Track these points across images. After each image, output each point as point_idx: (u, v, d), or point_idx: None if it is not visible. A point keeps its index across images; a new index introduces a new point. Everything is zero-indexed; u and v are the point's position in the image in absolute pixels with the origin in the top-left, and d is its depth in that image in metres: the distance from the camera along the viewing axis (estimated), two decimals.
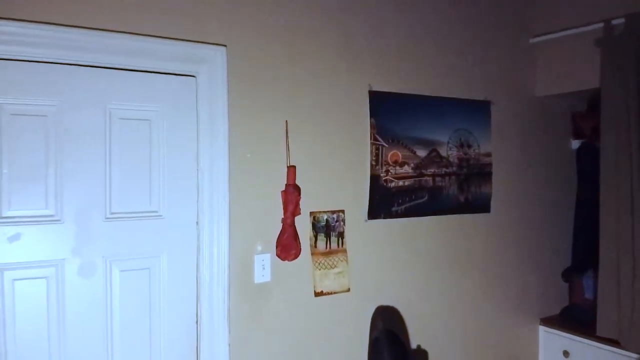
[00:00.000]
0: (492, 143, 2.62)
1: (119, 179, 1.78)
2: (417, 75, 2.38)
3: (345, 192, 2.19)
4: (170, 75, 1.86)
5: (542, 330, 2.83)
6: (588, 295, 2.78)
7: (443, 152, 2.45)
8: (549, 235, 2.88)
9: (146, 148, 1.83)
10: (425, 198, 2.40)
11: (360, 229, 2.23)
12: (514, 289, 2.75)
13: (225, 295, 1.91)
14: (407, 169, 2.34)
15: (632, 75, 2.31)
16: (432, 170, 2.42)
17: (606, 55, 2.41)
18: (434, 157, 2.43)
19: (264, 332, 2.01)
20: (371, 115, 2.23)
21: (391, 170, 2.29)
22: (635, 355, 2.35)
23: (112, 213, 1.78)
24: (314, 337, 2.13)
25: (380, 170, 2.26)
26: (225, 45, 1.90)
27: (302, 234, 2.07)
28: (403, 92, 2.33)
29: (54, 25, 1.62)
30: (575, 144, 2.96)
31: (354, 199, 2.21)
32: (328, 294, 2.14)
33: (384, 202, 2.27)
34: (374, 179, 2.24)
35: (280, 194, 2.01)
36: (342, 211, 2.18)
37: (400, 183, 2.32)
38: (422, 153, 2.38)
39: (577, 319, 2.75)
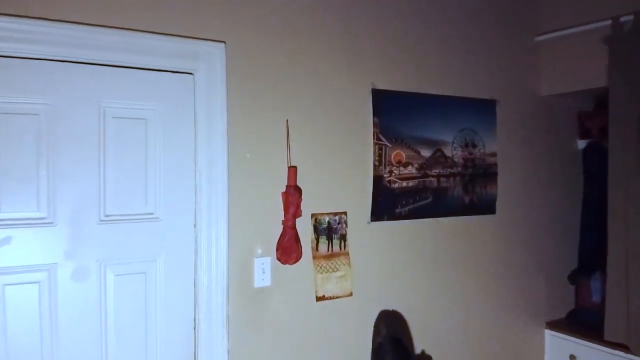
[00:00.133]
0: (497, 143, 2.58)
1: (113, 180, 1.74)
2: (421, 74, 2.35)
3: (347, 193, 2.16)
4: (167, 73, 1.82)
5: (548, 334, 2.80)
6: (595, 298, 2.74)
7: (448, 152, 2.41)
8: (555, 236, 2.85)
9: (142, 148, 1.79)
10: (430, 199, 2.35)
11: (363, 231, 2.19)
12: (519, 292, 2.72)
13: (224, 300, 1.88)
14: (411, 170, 2.29)
15: None
16: (437, 171, 2.38)
17: (614, 53, 2.38)
18: (439, 157, 2.38)
19: (264, 338, 1.97)
20: (374, 114, 2.19)
21: (395, 171, 2.24)
22: None
23: (107, 215, 1.74)
24: (315, 343, 2.09)
25: (384, 171, 2.21)
26: (224, 42, 1.87)
27: (303, 236, 2.03)
28: (407, 90, 2.29)
29: (46, 21, 1.58)
30: (581, 143, 2.93)
31: (356, 200, 2.18)
32: (330, 298, 2.10)
33: (387, 204, 2.22)
34: (377, 179, 2.20)
35: (280, 195, 1.97)
36: (345, 213, 2.14)
37: (404, 184, 2.27)
38: (426, 153, 2.34)
39: (583, 322, 2.72)
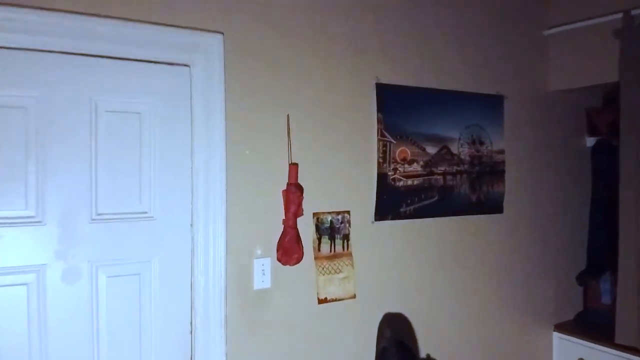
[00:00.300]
0: (504, 140, 2.52)
1: (106, 178, 1.68)
2: (426, 68, 2.30)
3: (350, 191, 2.11)
4: (162, 65, 1.76)
5: (557, 336, 2.75)
6: (605, 300, 2.68)
7: (454, 149, 2.35)
8: (563, 237, 2.81)
9: (136, 144, 1.73)
10: (436, 198, 2.29)
11: (366, 231, 2.14)
12: (527, 294, 2.68)
13: (222, 303, 1.82)
14: (416, 167, 2.23)
15: None
16: (443, 169, 2.32)
17: (625, 47, 2.34)
18: (445, 155, 2.32)
19: (264, 341, 1.92)
20: (378, 110, 2.13)
21: (399, 169, 2.18)
22: None
23: (99, 214, 1.67)
24: (317, 346, 2.04)
25: (388, 169, 2.15)
26: (222, 33, 1.81)
27: (305, 236, 1.97)
28: (412, 85, 2.24)
29: (34, 9, 1.51)
30: (590, 141, 2.89)
31: (359, 199, 2.13)
32: (332, 300, 2.05)
33: (391, 203, 2.16)
34: (381, 177, 2.13)
35: (281, 194, 1.92)
36: (348, 212, 2.09)
37: (409, 182, 2.21)
38: (432, 150, 2.28)
39: (592, 324, 2.68)
